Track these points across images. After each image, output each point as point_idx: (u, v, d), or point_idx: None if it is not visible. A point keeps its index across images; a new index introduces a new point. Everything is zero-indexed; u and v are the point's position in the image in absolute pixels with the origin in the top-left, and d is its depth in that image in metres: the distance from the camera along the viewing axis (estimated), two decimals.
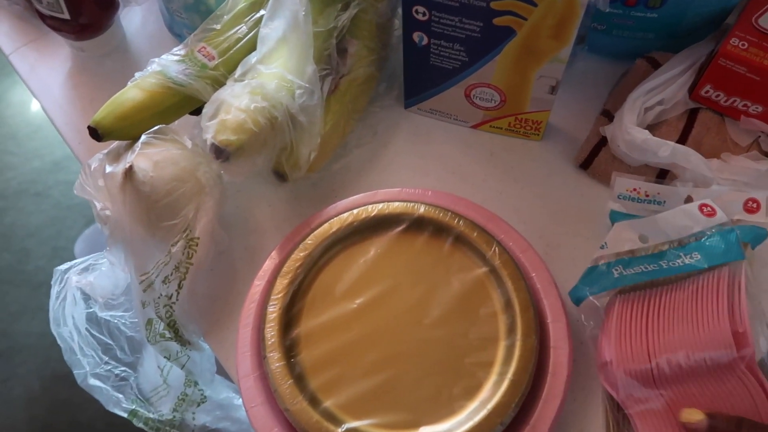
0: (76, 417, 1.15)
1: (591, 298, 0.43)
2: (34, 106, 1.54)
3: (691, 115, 0.52)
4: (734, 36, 0.48)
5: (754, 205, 0.43)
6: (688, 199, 0.45)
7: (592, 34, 0.55)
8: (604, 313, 0.43)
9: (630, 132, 0.48)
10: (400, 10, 0.49)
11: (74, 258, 0.48)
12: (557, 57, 0.45)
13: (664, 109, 0.51)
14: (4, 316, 1.26)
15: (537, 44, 0.44)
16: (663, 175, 0.50)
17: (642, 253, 0.43)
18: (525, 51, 0.45)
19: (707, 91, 0.50)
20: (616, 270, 0.43)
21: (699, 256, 0.41)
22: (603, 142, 0.52)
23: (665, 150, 0.46)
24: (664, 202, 0.46)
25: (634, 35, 0.54)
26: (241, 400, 0.52)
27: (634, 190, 0.47)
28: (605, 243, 0.44)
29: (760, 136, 0.50)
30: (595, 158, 0.52)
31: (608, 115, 0.53)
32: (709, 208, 0.42)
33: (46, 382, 1.19)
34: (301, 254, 0.44)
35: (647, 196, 0.47)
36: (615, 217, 0.47)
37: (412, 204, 0.46)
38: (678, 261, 0.41)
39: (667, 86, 0.52)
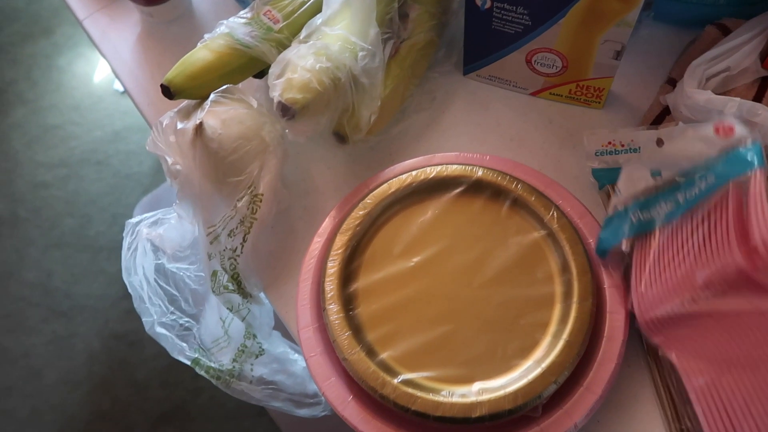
0: (133, 375, 1.21)
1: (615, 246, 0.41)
2: (97, 77, 1.60)
3: (762, 84, 0.50)
4: None
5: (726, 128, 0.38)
6: (659, 142, 0.43)
7: (660, 1, 0.54)
8: (630, 258, 0.41)
9: (691, 96, 0.47)
10: None
11: None
12: (624, 20, 0.44)
13: (730, 76, 0.49)
14: (67, 277, 1.33)
15: (603, 7, 0.44)
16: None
17: (655, 191, 0.40)
18: (591, 14, 0.44)
19: None
20: (634, 215, 0.40)
21: (713, 178, 0.36)
22: (666, 111, 0.51)
23: (731, 107, 0.44)
24: (639, 148, 0.45)
25: (704, 1, 0.53)
26: (296, 355, 0.54)
27: (609, 143, 0.46)
28: (618, 189, 0.42)
29: None
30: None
31: (673, 84, 0.52)
32: (725, 127, 0.37)
33: (106, 342, 1.25)
34: (361, 212, 0.45)
35: (623, 146, 0.46)
36: (598, 175, 0.47)
37: (470, 167, 0.46)
38: (694, 191, 0.37)
39: (733, 53, 0.50)
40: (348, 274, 0.44)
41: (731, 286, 0.34)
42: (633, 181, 0.42)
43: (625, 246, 0.42)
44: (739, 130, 0.37)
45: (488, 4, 0.48)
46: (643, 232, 0.41)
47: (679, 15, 0.55)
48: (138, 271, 0.49)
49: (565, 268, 0.42)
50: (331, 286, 0.43)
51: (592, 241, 0.44)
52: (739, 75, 0.50)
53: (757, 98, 0.49)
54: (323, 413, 0.55)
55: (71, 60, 1.63)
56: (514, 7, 0.47)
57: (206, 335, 0.53)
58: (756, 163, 0.34)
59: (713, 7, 0.53)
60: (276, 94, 0.43)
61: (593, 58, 0.48)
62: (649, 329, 0.39)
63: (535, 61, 0.51)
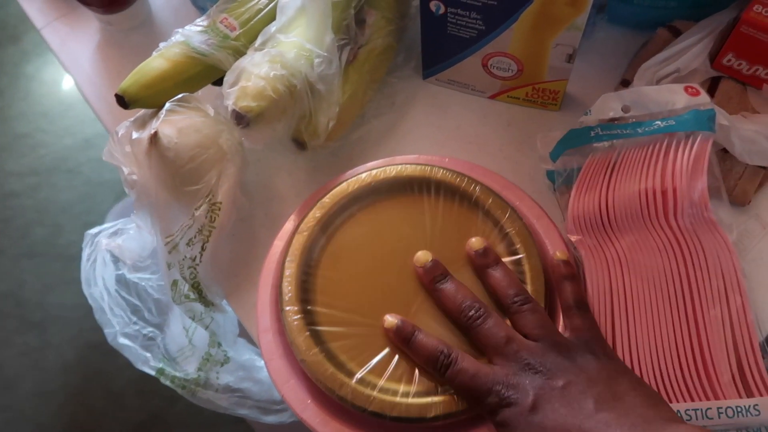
0: (108, 386, 1.20)
1: (565, 155, 0.48)
2: (66, 84, 1.58)
3: (713, 84, 0.51)
4: (758, 3, 0.47)
5: (694, 90, 0.47)
6: (626, 108, 0.49)
7: (612, 4, 0.55)
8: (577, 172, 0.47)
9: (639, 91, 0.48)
10: None
11: None
12: (574, 24, 0.45)
13: (680, 77, 0.51)
14: (39, 287, 1.31)
15: (553, 11, 0.44)
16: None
17: (622, 122, 0.47)
18: (542, 18, 0.45)
19: (729, 60, 0.50)
20: (594, 131, 0.47)
21: (674, 122, 0.45)
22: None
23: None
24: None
25: (656, 4, 0.54)
26: (262, 362, 0.54)
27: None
28: (589, 110, 0.48)
29: None
30: None
31: (627, 85, 0.53)
32: (693, 89, 0.46)
33: (80, 352, 1.24)
34: (318, 213, 0.45)
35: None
36: (551, 176, 0.50)
37: (429, 167, 0.46)
38: (653, 126, 0.45)
39: (683, 54, 0.51)
40: (306, 274, 0.44)
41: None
42: (605, 109, 0.48)
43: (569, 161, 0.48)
44: (703, 94, 0.46)
45: (442, 10, 0.48)
46: (591, 147, 0.47)
47: (632, 17, 0.56)
48: (98, 282, 0.48)
49: (519, 271, 0.43)
50: (288, 288, 0.43)
51: (548, 242, 0.45)
52: (689, 75, 0.51)
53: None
54: (291, 419, 0.55)
55: (39, 67, 1.61)
56: (468, 13, 0.47)
57: (171, 344, 0.53)
58: (707, 127, 0.44)
59: (665, 10, 0.54)
60: (230, 103, 0.43)
61: (547, 62, 0.49)
62: (574, 226, 0.45)
63: (491, 64, 0.51)
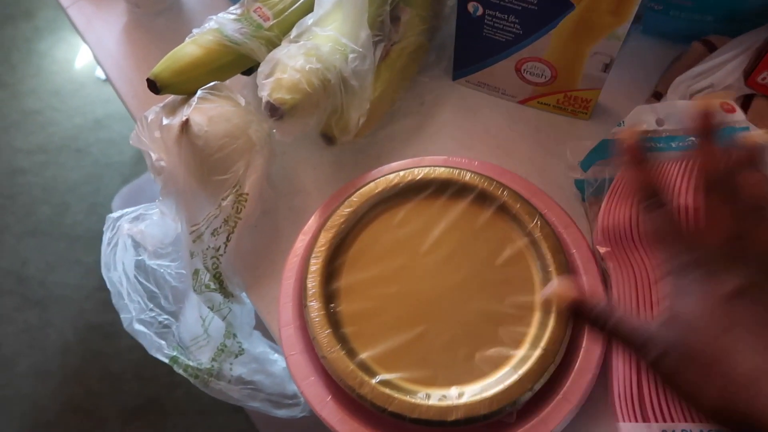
0: (107, 367, 1.19)
1: (596, 165, 0.47)
2: (79, 63, 1.57)
3: (746, 102, 0.51)
4: None
5: (730, 107, 0.45)
6: (660, 122, 0.47)
7: (648, 14, 0.54)
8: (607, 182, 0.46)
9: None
10: None
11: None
12: (614, 33, 0.44)
13: (713, 93, 0.50)
14: (42, 266, 1.30)
15: (595, 19, 0.44)
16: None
17: (655, 135, 0.46)
18: (582, 26, 0.45)
19: (764, 78, 0.50)
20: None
21: None
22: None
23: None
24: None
25: (692, 17, 0.53)
26: (276, 355, 0.53)
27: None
28: (623, 121, 0.46)
29: None
30: None
31: (659, 98, 0.52)
32: (729, 106, 0.44)
33: (80, 333, 1.24)
34: (346, 210, 0.45)
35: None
36: (580, 186, 0.49)
37: (457, 171, 0.46)
38: (688, 141, 0.44)
39: (717, 70, 0.51)
40: (331, 271, 0.44)
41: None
42: (638, 121, 0.46)
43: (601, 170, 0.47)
44: (739, 111, 0.44)
45: (480, 11, 0.48)
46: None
47: (667, 29, 0.55)
48: (117, 267, 0.48)
49: (545, 277, 0.42)
50: (313, 283, 0.43)
51: (575, 252, 0.44)
52: (722, 92, 0.51)
53: None
54: (302, 414, 0.55)
55: (52, 44, 1.60)
56: (506, 16, 0.47)
57: (185, 333, 0.53)
58: None
59: (701, 23, 0.54)
60: (264, 94, 0.42)
61: (582, 70, 0.48)
62: (603, 238, 0.44)
63: (524, 69, 0.51)
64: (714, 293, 0.29)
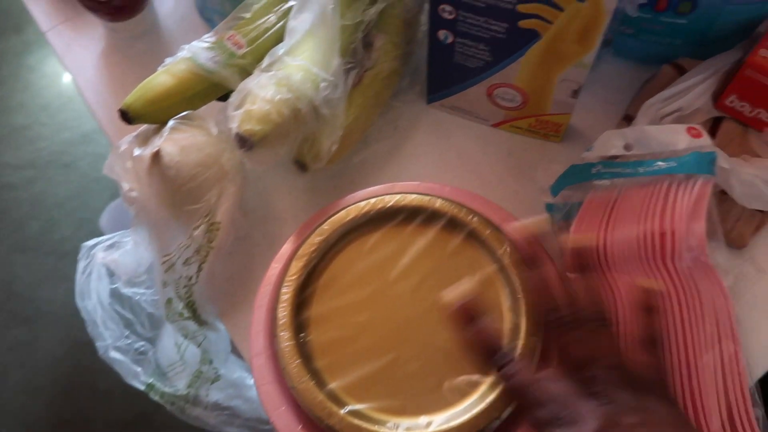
0: (95, 383, 1.19)
1: (566, 190, 0.48)
2: (66, 78, 1.57)
3: (714, 124, 0.52)
4: (763, 47, 0.48)
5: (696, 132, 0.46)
6: (628, 146, 0.48)
7: (619, 38, 0.55)
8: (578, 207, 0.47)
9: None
10: (426, 7, 0.50)
11: (99, 229, 0.50)
12: (581, 62, 0.45)
13: (683, 116, 0.51)
14: (30, 282, 1.30)
15: (561, 48, 0.44)
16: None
17: (623, 159, 0.47)
18: (549, 54, 0.45)
19: (732, 101, 0.50)
20: (595, 168, 0.47)
21: (675, 164, 0.45)
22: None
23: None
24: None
25: (662, 41, 0.54)
26: (252, 380, 0.54)
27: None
28: (592, 146, 0.48)
29: None
30: None
31: (630, 120, 0.53)
32: (696, 131, 0.46)
33: (69, 349, 1.23)
34: (317, 239, 0.45)
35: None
36: (551, 209, 0.50)
37: (428, 197, 0.46)
38: (654, 167, 0.45)
39: (687, 93, 0.51)
40: (301, 300, 0.44)
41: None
42: (607, 146, 0.48)
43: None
44: (706, 136, 0.45)
45: (450, 39, 0.48)
46: (592, 185, 0.47)
47: (638, 52, 0.56)
48: (92, 295, 0.48)
49: (514, 304, 0.43)
50: (283, 313, 0.43)
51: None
52: (691, 115, 0.51)
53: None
54: None
55: (41, 59, 1.60)
56: (476, 44, 0.47)
57: (162, 358, 0.53)
58: (707, 170, 0.44)
59: (670, 47, 0.54)
60: (234, 126, 0.43)
61: (552, 95, 0.49)
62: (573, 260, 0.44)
63: (496, 95, 0.51)
64: None
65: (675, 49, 0.54)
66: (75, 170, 1.44)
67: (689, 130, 0.47)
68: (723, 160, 0.46)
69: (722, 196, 0.48)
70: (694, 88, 0.51)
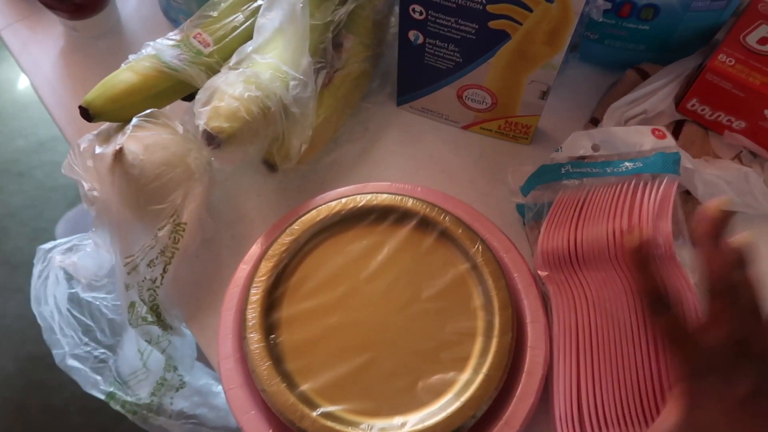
0: (50, 400, 1.14)
1: (536, 190, 0.48)
2: (21, 84, 1.52)
3: (677, 127, 0.53)
4: (722, 52, 0.49)
5: (661, 133, 0.47)
6: (595, 147, 0.49)
7: (584, 43, 0.56)
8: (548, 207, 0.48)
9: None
10: (397, 8, 0.50)
11: (55, 240, 0.48)
12: (549, 63, 0.46)
13: (647, 119, 0.52)
14: None
15: (530, 49, 0.45)
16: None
17: (591, 160, 0.48)
18: (518, 55, 0.46)
19: (693, 105, 0.52)
20: (564, 168, 0.48)
21: (641, 164, 0.46)
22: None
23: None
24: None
25: (626, 46, 0.55)
26: (219, 387, 0.52)
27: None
28: (560, 147, 0.48)
29: (742, 151, 0.51)
30: None
31: (596, 123, 0.54)
32: (660, 132, 0.47)
33: (22, 364, 1.18)
34: (287, 239, 0.44)
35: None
36: (522, 210, 0.50)
37: (400, 197, 0.46)
38: (621, 167, 0.46)
39: (650, 97, 0.53)
40: (271, 302, 0.43)
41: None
42: (575, 147, 0.48)
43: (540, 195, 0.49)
44: (670, 137, 0.47)
45: (421, 40, 0.48)
46: (562, 184, 0.48)
47: (603, 57, 0.57)
48: (49, 300, 0.46)
49: (487, 302, 0.42)
50: (253, 314, 0.42)
51: (516, 276, 0.45)
52: (655, 118, 0.52)
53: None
54: None
55: None
56: (446, 44, 0.47)
57: (124, 367, 0.51)
58: (672, 170, 0.45)
59: (634, 52, 0.56)
60: (201, 122, 0.41)
61: (521, 97, 0.49)
62: (543, 262, 0.45)
63: (466, 96, 0.52)
64: (729, 397, 0.32)
65: (638, 54, 0.56)
66: (29, 179, 1.38)
67: (654, 131, 0.48)
68: (687, 161, 0.47)
69: (686, 196, 0.49)
70: (657, 92, 0.53)
